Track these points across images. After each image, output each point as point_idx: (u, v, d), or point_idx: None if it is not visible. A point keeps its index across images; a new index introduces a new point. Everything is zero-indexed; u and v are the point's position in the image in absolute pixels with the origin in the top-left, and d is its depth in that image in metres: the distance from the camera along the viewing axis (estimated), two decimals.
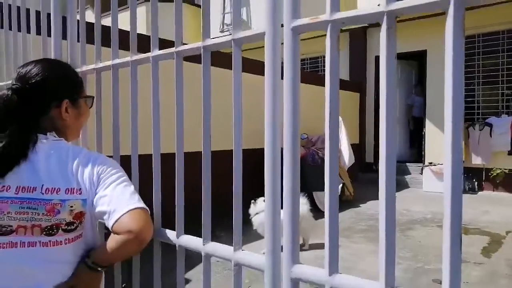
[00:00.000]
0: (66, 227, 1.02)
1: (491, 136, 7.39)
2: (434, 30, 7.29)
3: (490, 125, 7.43)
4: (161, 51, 1.11)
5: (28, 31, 1.72)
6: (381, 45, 0.70)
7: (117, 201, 1.02)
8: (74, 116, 1.15)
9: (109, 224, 1.02)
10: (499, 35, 7.48)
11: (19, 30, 1.78)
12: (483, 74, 7.75)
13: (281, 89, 0.84)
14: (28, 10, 1.71)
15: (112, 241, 1.01)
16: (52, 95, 1.10)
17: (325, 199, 0.80)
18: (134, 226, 0.99)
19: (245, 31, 0.90)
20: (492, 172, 7.10)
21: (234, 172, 0.95)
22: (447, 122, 0.63)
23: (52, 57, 1.53)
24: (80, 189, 1.04)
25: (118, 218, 1.00)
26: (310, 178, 5.41)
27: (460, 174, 0.63)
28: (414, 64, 9.30)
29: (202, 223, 1.03)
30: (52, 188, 1.01)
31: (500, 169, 6.57)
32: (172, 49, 1.07)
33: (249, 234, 3.62)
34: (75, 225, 1.04)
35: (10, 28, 1.85)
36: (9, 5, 1.85)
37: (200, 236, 1.06)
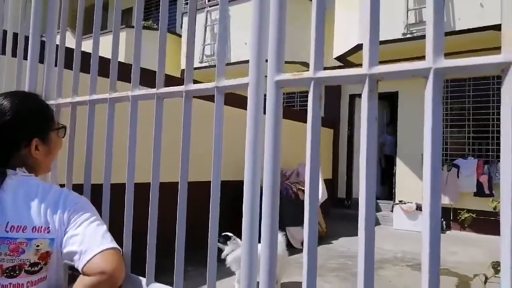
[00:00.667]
0: (29, 268, 0.96)
1: (458, 177, 7.64)
2: None
3: (458, 167, 7.70)
4: (142, 91, 1.10)
5: (3, 53, 1.67)
6: (362, 105, 0.72)
7: (89, 241, 0.98)
8: (44, 153, 1.11)
9: (80, 264, 0.96)
10: (466, 81, 7.90)
11: None
12: (451, 117, 8.10)
13: (262, 129, 0.84)
14: (5, 32, 1.67)
15: (81, 284, 0.95)
16: (21, 134, 1.06)
17: (304, 239, 0.79)
18: (108, 267, 0.94)
19: (229, 80, 0.90)
20: (460, 216, 7.29)
21: (211, 206, 0.93)
22: (426, 166, 0.64)
23: (27, 80, 1.48)
24: (49, 227, 0.99)
25: (90, 259, 0.95)
26: (283, 213, 5.38)
27: (438, 214, 0.64)
28: (386, 104, 9.63)
29: (175, 273, 0.99)
30: (17, 226, 0.96)
31: (468, 213, 6.77)
32: (154, 90, 1.06)
33: (220, 268, 3.53)
34: (39, 266, 0.98)
35: None
36: None
37: (172, 273, 1.01)
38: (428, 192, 0.64)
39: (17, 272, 0.95)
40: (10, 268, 0.94)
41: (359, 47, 7.47)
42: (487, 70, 0.59)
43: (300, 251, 5.67)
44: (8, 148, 1.04)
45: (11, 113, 1.05)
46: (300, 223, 5.97)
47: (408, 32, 7.01)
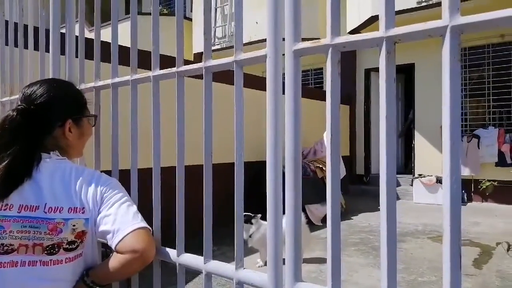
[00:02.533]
0: (67, 246, 1.02)
1: (478, 147, 7.52)
2: (422, 43, 7.47)
3: (478, 137, 7.56)
4: (162, 71, 1.13)
5: (26, 47, 1.73)
6: (380, 69, 0.73)
7: (121, 221, 1.03)
8: (77, 135, 1.16)
9: (113, 243, 1.02)
10: (484, 48, 7.68)
11: (15, 45, 1.79)
12: (470, 86, 7.91)
13: (282, 105, 0.87)
14: (26, 26, 1.72)
15: (115, 260, 1.01)
16: (56, 115, 1.11)
17: (327, 216, 0.82)
18: (139, 246, 1.00)
19: (247, 53, 0.92)
20: (481, 185, 7.20)
21: (235, 188, 0.96)
22: (445, 138, 0.65)
23: (50, 73, 1.54)
24: (83, 208, 1.05)
25: (123, 238, 1.01)
26: (302, 191, 5.42)
27: (459, 185, 0.65)
28: (401, 77, 9.46)
29: (204, 242, 1.04)
30: (55, 207, 1.02)
31: (490, 181, 6.66)
32: (174, 69, 1.09)
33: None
34: (76, 244, 1.04)
35: (7, 44, 1.86)
36: (6, 21, 1.86)
37: (197, 251, 1.06)
38: (447, 150, 0.65)
39: (56, 249, 1.02)
40: (50, 246, 1.01)
41: (372, 20, 7.32)
42: (506, 24, 0.59)
43: (319, 227, 5.74)
44: (43, 129, 1.09)
45: (47, 95, 1.10)
46: (318, 200, 6.03)
47: (424, 0, 6.82)
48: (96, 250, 1.20)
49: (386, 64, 0.72)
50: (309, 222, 5.47)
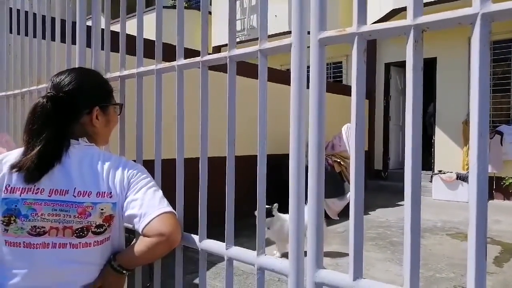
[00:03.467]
0: (96, 229, 1.06)
1: (501, 144, 7.32)
2: (444, 37, 7.30)
3: (501, 133, 7.37)
4: (187, 60, 1.15)
5: (53, 39, 1.77)
6: (407, 57, 0.73)
7: (148, 205, 1.06)
8: (103, 123, 1.19)
9: (140, 227, 1.05)
10: (509, 43, 7.45)
11: (43, 38, 1.83)
12: (494, 82, 7.70)
13: (306, 98, 0.87)
14: (53, 19, 1.77)
15: (142, 244, 1.04)
16: (84, 102, 1.14)
17: (350, 206, 0.82)
18: (166, 229, 1.02)
19: (272, 42, 0.93)
20: (504, 182, 7.03)
21: (258, 178, 0.97)
22: (473, 132, 0.65)
23: (76, 64, 1.58)
24: (111, 192, 1.08)
25: (150, 222, 1.03)
26: None
27: (485, 183, 0.65)
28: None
29: (226, 227, 1.06)
30: (84, 191, 1.05)
31: None
32: (198, 59, 1.11)
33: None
34: (104, 227, 1.07)
35: (35, 36, 1.91)
36: (34, 14, 1.91)
37: (219, 240, 1.09)
38: (475, 139, 0.65)
39: (85, 232, 1.05)
40: (79, 229, 1.04)
41: (394, 12, 7.19)
42: None
43: (336, 222, 5.72)
44: (71, 115, 1.12)
45: (75, 82, 1.13)
46: (336, 194, 6.00)
47: None
48: (123, 235, 1.24)
49: (413, 53, 0.72)
50: (326, 216, 5.46)
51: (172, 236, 1.03)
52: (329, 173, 6.11)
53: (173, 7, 10.53)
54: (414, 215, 0.72)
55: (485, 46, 0.64)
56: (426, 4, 6.50)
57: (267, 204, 4.16)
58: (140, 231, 1.05)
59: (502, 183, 7.01)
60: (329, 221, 5.48)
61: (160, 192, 1.13)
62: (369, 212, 6.44)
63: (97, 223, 1.06)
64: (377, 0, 7.77)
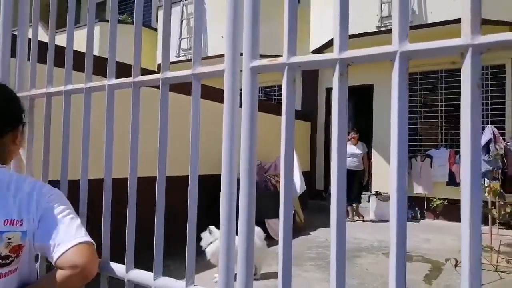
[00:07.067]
0: (0, 260, 0.95)
1: (431, 167, 7.88)
2: (379, 65, 7.80)
3: (431, 157, 7.93)
4: (119, 80, 1.10)
5: None
6: (333, 88, 0.75)
7: (63, 234, 0.98)
8: (20, 142, 1.10)
9: (53, 258, 0.96)
10: (437, 73, 8.12)
11: None
12: (424, 109, 8.32)
13: (239, 121, 0.86)
14: None
15: (53, 276, 0.96)
16: (9, 121, 1.06)
17: (279, 231, 0.82)
18: (80, 261, 0.95)
19: (205, 66, 0.92)
20: (432, 203, 7.53)
21: (189, 200, 0.95)
22: (393, 156, 0.67)
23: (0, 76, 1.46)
24: (21, 220, 0.98)
25: (64, 252, 0.95)
26: (262, 205, 5.42)
27: (404, 201, 0.67)
28: (354, 99, 9.76)
29: (154, 257, 1.01)
30: None
31: (440, 200, 6.98)
32: (130, 79, 1.07)
33: (200, 262, 3.55)
34: (10, 259, 0.97)
35: None
36: None
37: (149, 266, 1.03)
38: (395, 171, 0.67)
39: None
40: None
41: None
42: (448, 53, 0.63)
43: (277, 242, 5.72)
44: None
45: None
46: (278, 215, 6.04)
47: (382, 25, 7.14)
48: (34, 266, 1.13)
49: (339, 85, 0.74)
50: (268, 236, 5.46)
51: (87, 268, 0.96)
52: (271, 194, 6.16)
53: (122, 21, 10.30)
54: (340, 237, 0.73)
55: (403, 81, 0.67)
56: (351, 36, 6.91)
57: (213, 225, 4.05)
58: (53, 262, 0.97)
59: (430, 205, 7.49)
60: (271, 241, 5.49)
61: (78, 220, 1.05)
62: (310, 232, 6.55)
63: (2, 254, 0.95)
64: (319, 28, 8.15)
